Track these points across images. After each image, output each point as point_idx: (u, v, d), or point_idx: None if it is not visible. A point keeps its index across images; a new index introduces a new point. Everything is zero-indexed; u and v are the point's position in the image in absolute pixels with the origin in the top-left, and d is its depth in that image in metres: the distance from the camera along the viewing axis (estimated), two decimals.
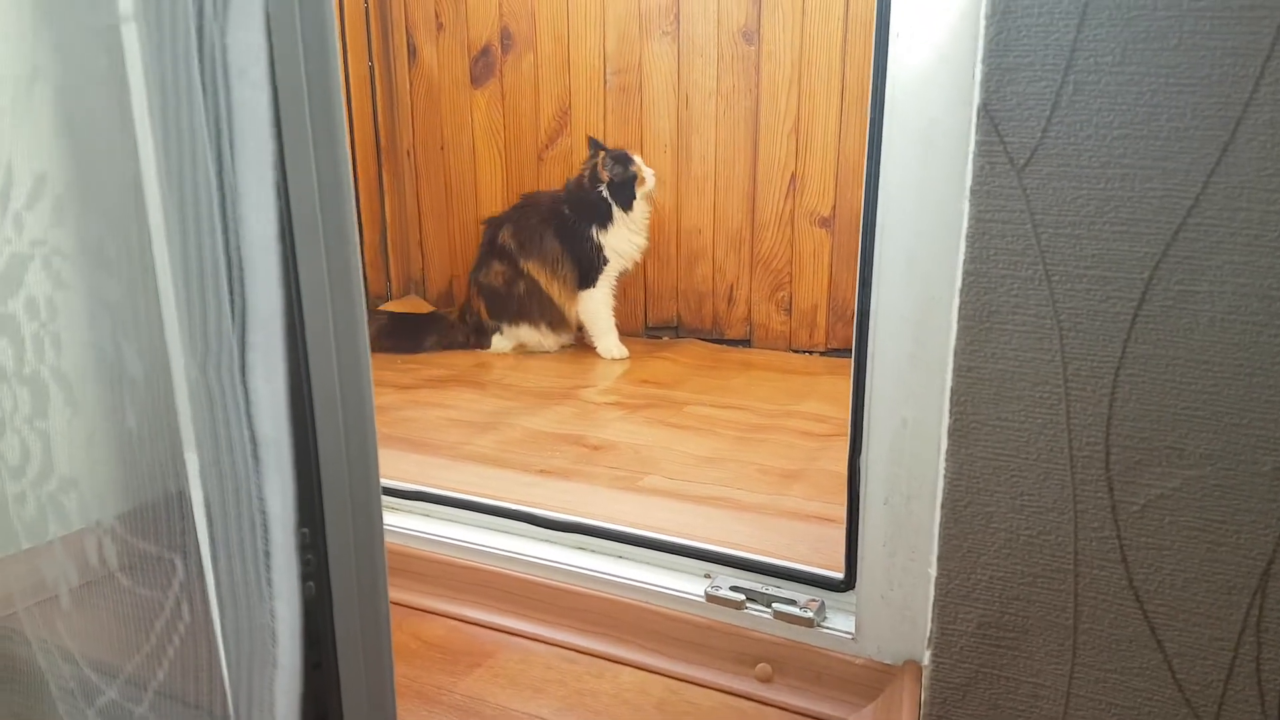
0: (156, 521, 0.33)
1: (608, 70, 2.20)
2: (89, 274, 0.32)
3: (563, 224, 2.10)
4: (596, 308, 2.13)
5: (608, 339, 2.14)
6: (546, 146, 2.29)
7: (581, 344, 2.21)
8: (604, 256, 2.10)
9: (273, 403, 0.30)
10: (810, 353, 2.17)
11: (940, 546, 0.66)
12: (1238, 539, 0.59)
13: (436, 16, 2.35)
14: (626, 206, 2.06)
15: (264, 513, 0.31)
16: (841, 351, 2.14)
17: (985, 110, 0.56)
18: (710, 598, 0.99)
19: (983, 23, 0.55)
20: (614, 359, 2.12)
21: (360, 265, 0.37)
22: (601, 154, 2.07)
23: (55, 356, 0.38)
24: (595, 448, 1.55)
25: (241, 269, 0.29)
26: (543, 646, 1.03)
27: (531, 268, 2.11)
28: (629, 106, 2.20)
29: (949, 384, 0.70)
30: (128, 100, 0.36)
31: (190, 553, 0.33)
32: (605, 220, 2.08)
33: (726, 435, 1.60)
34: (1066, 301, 0.57)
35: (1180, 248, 0.54)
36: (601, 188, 2.06)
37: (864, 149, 2.10)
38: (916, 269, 0.79)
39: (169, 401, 0.31)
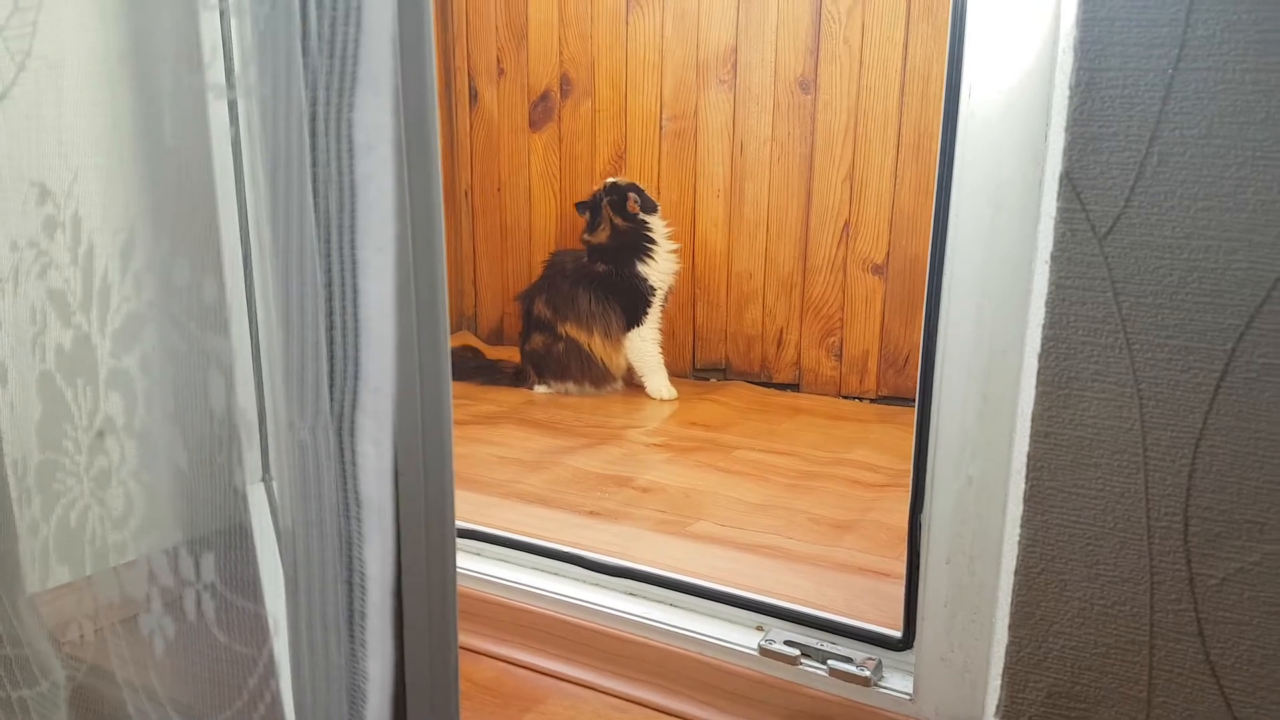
0: (255, 580, 0.34)
1: (664, 116, 2.23)
2: (199, 336, 0.33)
3: (596, 277, 2.13)
4: (645, 347, 2.14)
5: (657, 379, 2.14)
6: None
7: (629, 383, 2.22)
8: (650, 288, 2.12)
9: (379, 465, 0.31)
10: (860, 399, 2.15)
11: (1013, 613, 0.65)
12: None
13: (499, 62, 2.41)
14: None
15: (363, 574, 0.32)
16: (892, 399, 2.12)
17: (1068, 178, 0.56)
18: (764, 651, 0.98)
19: (1067, 93, 0.55)
20: (663, 399, 2.12)
21: (448, 329, 0.38)
22: (629, 196, 2.11)
23: (164, 412, 0.39)
24: (644, 490, 1.55)
25: (356, 335, 0.30)
26: (593, 694, 1.02)
27: (570, 330, 2.14)
28: (683, 152, 2.23)
29: (1025, 448, 0.69)
30: (210, 163, 0.37)
31: (289, 611, 0.34)
32: (648, 251, 2.11)
33: (776, 482, 1.59)
34: (1147, 370, 0.56)
35: (1264, 321, 0.53)
36: (642, 218, 2.10)
37: (919, 198, 2.10)
38: (984, 326, 0.79)
39: (288, 463, 0.32)
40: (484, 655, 1.09)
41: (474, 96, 2.46)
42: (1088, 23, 0.55)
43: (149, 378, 0.40)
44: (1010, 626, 0.65)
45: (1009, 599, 0.73)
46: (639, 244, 2.12)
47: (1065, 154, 0.56)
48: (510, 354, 2.34)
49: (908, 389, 2.11)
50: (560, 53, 2.32)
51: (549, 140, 2.39)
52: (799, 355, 2.20)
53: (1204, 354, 0.55)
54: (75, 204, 0.45)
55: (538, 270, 2.31)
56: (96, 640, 0.49)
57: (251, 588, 0.35)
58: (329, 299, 0.30)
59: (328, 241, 0.30)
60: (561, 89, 2.34)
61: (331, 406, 0.31)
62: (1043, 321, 0.59)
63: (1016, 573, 0.64)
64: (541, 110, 2.38)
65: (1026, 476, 0.62)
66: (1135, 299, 0.56)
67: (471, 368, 2.29)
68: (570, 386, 2.17)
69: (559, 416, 2.00)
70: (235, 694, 0.36)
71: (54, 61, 0.48)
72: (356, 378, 0.30)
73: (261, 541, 0.35)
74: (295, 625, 0.35)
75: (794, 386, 2.22)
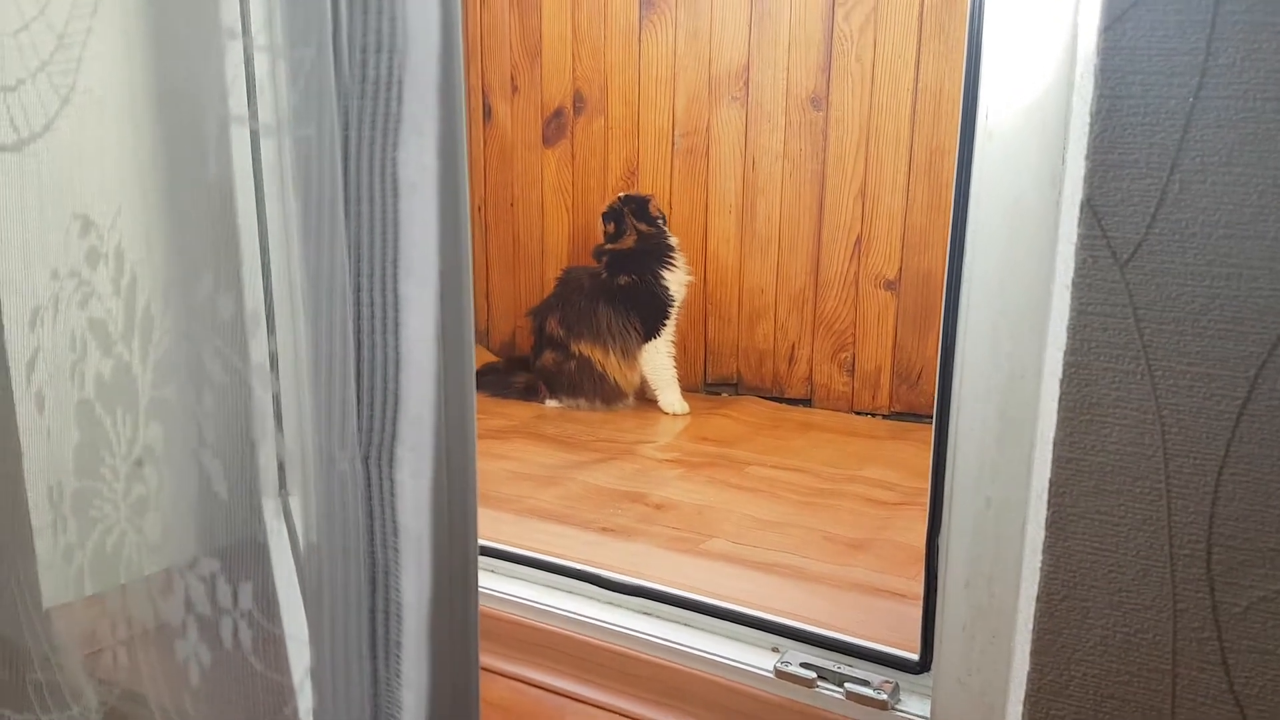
0: (292, 608, 0.34)
1: (676, 133, 2.24)
2: (241, 368, 0.34)
3: (618, 291, 2.14)
4: (660, 359, 2.15)
5: (670, 393, 2.15)
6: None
7: (640, 398, 2.22)
8: (671, 297, 2.14)
9: (416, 496, 0.31)
10: (873, 415, 2.15)
11: (1034, 640, 0.65)
12: None
13: (513, 79, 2.43)
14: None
15: (399, 603, 0.32)
16: (905, 415, 2.12)
17: (1089, 205, 0.56)
18: (780, 674, 0.98)
19: (1087, 120, 0.56)
20: (675, 414, 2.12)
21: (474, 362, 0.38)
22: (650, 201, 2.14)
23: (204, 441, 0.40)
24: (657, 506, 1.55)
25: (398, 368, 0.31)
26: (606, 714, 1.02)
27: (584, 347, 2.14)
28: (695, 167, 2.24)
29: (1044, 471, 0.69)
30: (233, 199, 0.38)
31: (324, 642, 0.34)
32: (670, 258, 2.13)
33: (789, 499, 1.59)
34: (1169, 397, 0.56)
35: None
36: (662, 223, 2.13)
37: (931, 214, 2.10)
38: (1002, 347, 0.79)
39: (325, 493, 0.33)
40: (497, 674, 1.09)
41: (488, 112, 2.48)
42: (1108, 51, 0.55)
43: (189, 408, 0.40)
44: (1032, 653, 0.65)
45: (1028, 623, 0.73)
46: (664, 251, 2.14)
47: (1086, 181, 0.57)
48: (522, 367, 2.34)
49: (921, 405, 2.11)
50: (574, 70, 2.34)
51: (562, 156, 2.40)
52: (811, 370, 2.21)
53: (1226, 381, 0.55)
54: (119, 236, 0.46)
55: (550, 284, 2.31)
56: (130, 665, 0.50)
57: (277, 612, 0.35)
58: (370, 333, 0.31)
59: (370, 277, 0.30)
60: (574, 105, 2.35)
61: (371, 438, 0.31)
62: (1064, 347, 0.59)
63: (1038, 599, 0.64)
64: (555, 126, 2.39)
65: (1048, 502, 0.62)
66: (1157, 325, 0.56)
67: (488, 380, 2.29)
68: (581, 402, 2.18)
69: (571, 431, 2.00)
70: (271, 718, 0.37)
71: (98, 96, 0.49)
72: (396, 409, 0.31)
73: (279, 561, 0.35)
74: (322, 652, 0.36)
75: (806, 402, 2.22)
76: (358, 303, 0.31)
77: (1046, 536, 0.63)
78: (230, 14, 0.32)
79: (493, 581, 1.21)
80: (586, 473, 1.71)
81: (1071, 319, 0.58)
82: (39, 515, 0.53)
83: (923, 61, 1.97)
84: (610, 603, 1.14)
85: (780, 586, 1.21)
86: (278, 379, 0.33)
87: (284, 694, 0.35)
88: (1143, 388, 0.57)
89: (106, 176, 0.49)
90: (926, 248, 2.04)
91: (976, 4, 0.75)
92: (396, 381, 0.31)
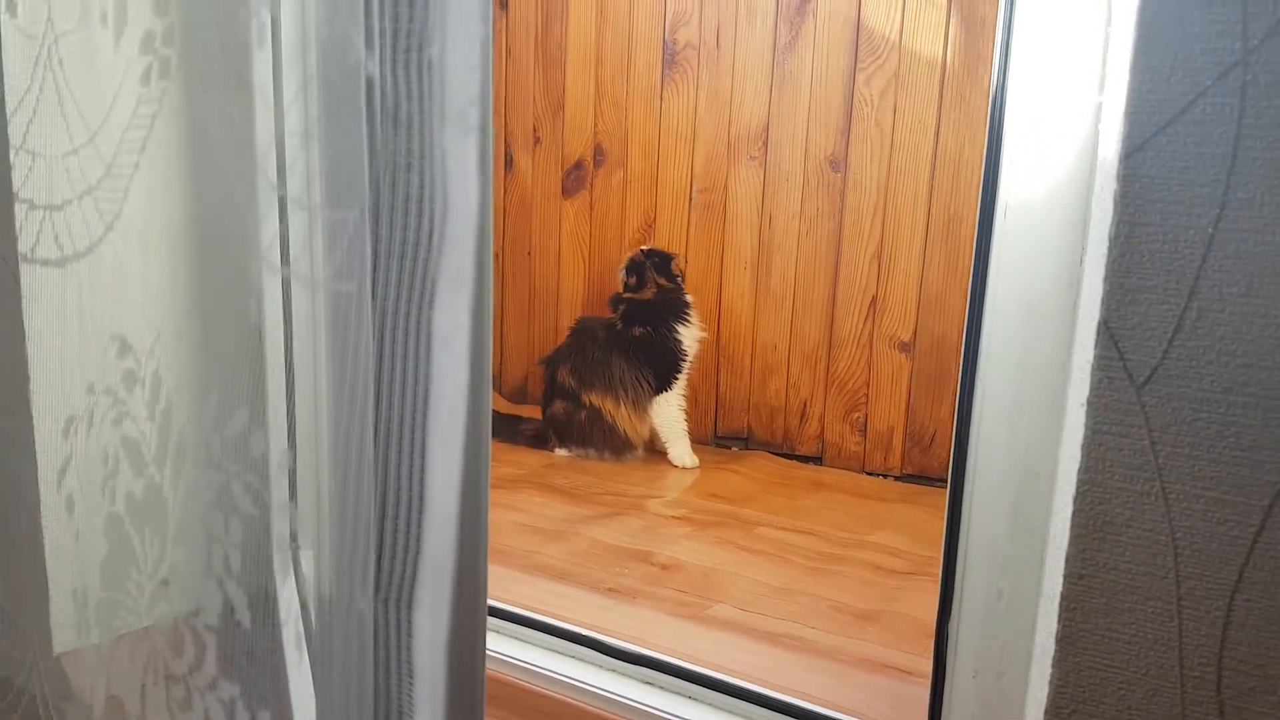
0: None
1: (694, 188, 2.27)
2: (269, 502, 0.35)
3: (631, 342, 2.15)
4: (671, 412, 2.16)
5: (680, 446, 2.15)
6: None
7: (649, 449, 2.22)
8: (684, 351, 2.15)
9: (433, 638, 0.32)
10: (884, 476, 2.14)
11: None
12: None
13: (535, 131, 2.46)
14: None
15: None
16: (917, 478, 2.11)
17: (1105, 327, 0.57)
18: None
19: (1106, 245, 0.56)
20: (685, 467, 2.12)
21: (489, 500, 0.38)
22: (674, 260, 2.16)
23: (229, 570, 0.41)
24: (664, 567, 1.54)
25: (421, 514, 0.32)
26: None
27: (595, 398, 2.15)
28: (712, 223, 2.26)
29: (1056, 569, 0.69)
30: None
31: None
32: (685, 314, 2.15)
33: (797, 563, 1.58)
34: (1183, 520, 0.56)
35: None
36: (680, 280, 2.14)
37: (948, 278, 2.11)
38: (1018, 441, 0.79)
39: (343, 632, 0.33)
40: None
41: (510, 162, 2.51)
42: (1128, 178, 0.56)
43: (217, 536, 0.41)
44: None
45: None
46: (680, 306, 2.15)
47: (1104, 303, 0.57)
48: (533, 412, 2.35)
49: (933, 468, 2.10)
50: (595, 124, 2.37)
51: (580, 207, 2.42)
52: (822, 429, 2.20)
53: (1241, 508, 0.55)
54: (156, 363, 0.47)
55: (563, 333, 2.33)
56: None
57: None
58: (396, 479, 0.31)
59: (401, 424, 0.31)
60: (595, 159, 2.38)
61: (391, 579, 0.32)
62: (1078, 465, 0.60)
63: (1047, 712, 0.63)
64: (574, 178, 2.42)
65: (1059, 617, 0.62)
66: (1172, 449, 0.56)
67: (498, 427, 2.30)
68: (591, 453, 2.18)
69: (579, 482, 2.00)
70: None
71: (141, 227, 0.50)
72: (419, 554, 0.31)
73: (297, 692, 0.35)
74: None
75: (817, 459, 2.22)
76: (386, 449, 0.32)
77: (1057, 651, 0.62)
78: (271, 171, 0.34)
79: (497, 643, 1.20)
80: (594, 528, 1.71)
81: (1086, 437, 0.58)
82: (61, 613, 0.54)
83: (943, 129, 1.99)
84: (614, 670, 1.14)
85: (786, 660, 1.20)
86: (299, 517, 0.34)
87: None
88: (1157, 509, 0.57)
89: (147, 303, 0.50)
90: (942, 311, 2.05)
91: (996, 122, 0.76)
92: (420, 526, 0.32)
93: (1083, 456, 0.59)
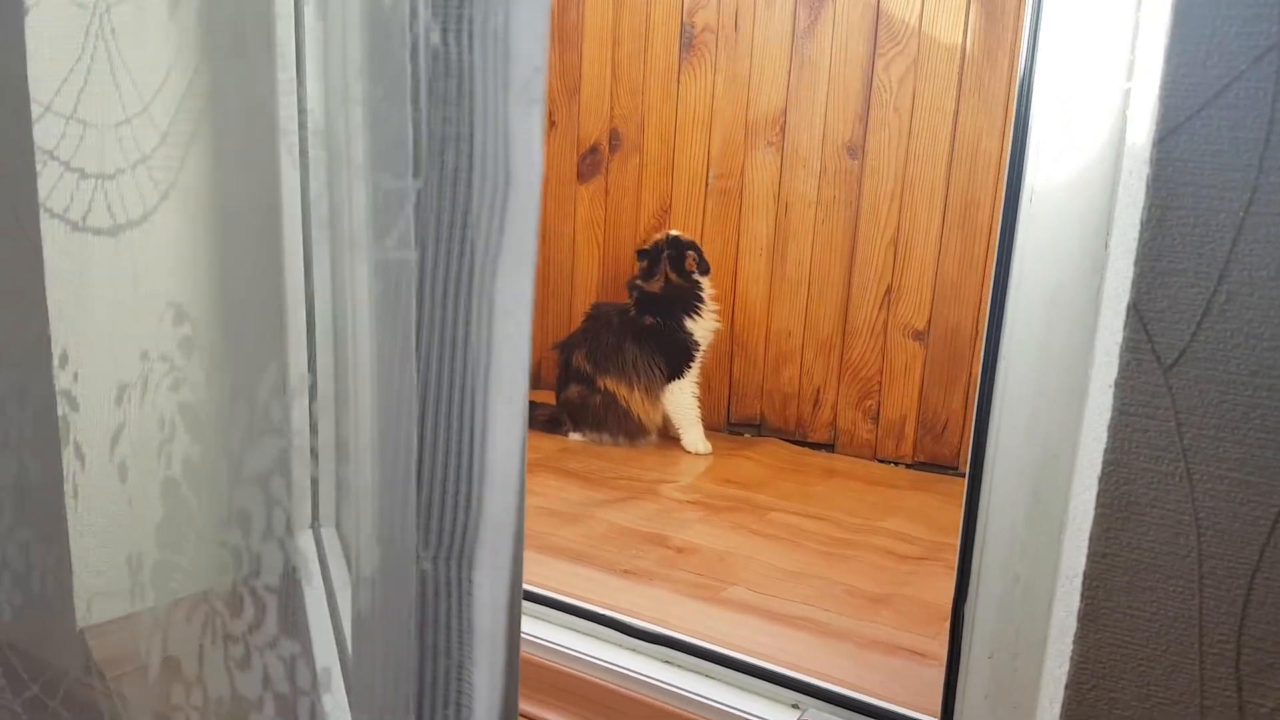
0: (367, 695, 0.36)
1: (710, 174, 2.27)
2: (330, 467, 0.36)
3: (644, 330, 2.16)
4: (684, 399, 2.17)
5: (693, 432, 2.16)
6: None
7: (663, 435, 2.23)
8: (695, 343, 2.15)
9: (494, 597, 0.33)
10: (896, 464, 2.15)
11: None
12: None
13: (550, 115, 2.47)
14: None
15: (470, 696, 0.34)
16: (928, 466, 2.12)
17: (1135, 309, 0.58)
18: None
19: (1136, 229, 0.57)
20: (698, 453, 2.13)
21: (525, 467, 0.39)
22: (689, 254, 2.14)
23: (293, 529, 0.42)
24: (679, 550, 1.56)
25: (483, 476, 0.33)
26: None
27: (609, 383, 2.16)
28: (728, 209, 2.26)
29: (1073, 553, 0.70)
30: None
31: None
32: (696, 309, 2.14)
33: (810, 548, 1.60)
34: (1206, 500, 0.57)
35: None
36: (697, 277, 2.14)
37: (963, 267, 2.11)
38: (1038, 426, 0.80)
39: (407, 590, 0.34)
40: (520, 716, 1.11)
41: None
42: (1161, 162, 0.57)
43: (279, 499, 0.42)
44: None
45: (1052, 703, 0.73)
46: (689, 301, 2.15)
47: (1134, 286, 0.58)
48: (547, 397, 2.36)
49: (944, 456, 2.11)
50: (611, 108, 2.37)
51: (595, 192, 2.43)
52: (835, 416, 2.21)
53: (1264, 489, 0.56)
54: (213, 330, 0.48)
55: (578, 318, 2.34)
56: None
57: (365, 698, 0.37)
58: (458, 442, 0.32)
59: (461, 390, 0.32)
60: (610, 143, 2.39)
61: (452, 539, 0.33)
62: (1104, 444, 0.61)
63: (1068, 687, 0.65)
64: (590, 163, 2.43)
65: (1082, 595, 0.63)
66: (1198, 430, 0.57)
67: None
68: (605, 437, 2.19)
69: (594, 467, 2.02)
70: None
71: (197, 196, 0.51)
72: (480, 514, 0.32)
73: (309, 590, 0.37)
74: None
75: (829, 446, 2.23)
76: (447, 413, 0.33)
77: (1078, 627, 0.63)
78: (334, 142, 0.35)
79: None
80: (609, 511, 1.73)
81: (1113, 418, 0.59)
82: (116, 580, 0.56)
83: (961, 115, 1.99)
84: (633, 649, 1.15)
85: (802, 641, 1.21)
86: (358, 479, 0.35)
87: None
88: (1181, 489, 0.58)
89: (203, 271, 0.51)
90: (957, 300, 2.05)
91: (1023, 108, 0.76)
92: (481, 488, 0.33)
93: (1109, 437, 0.60)
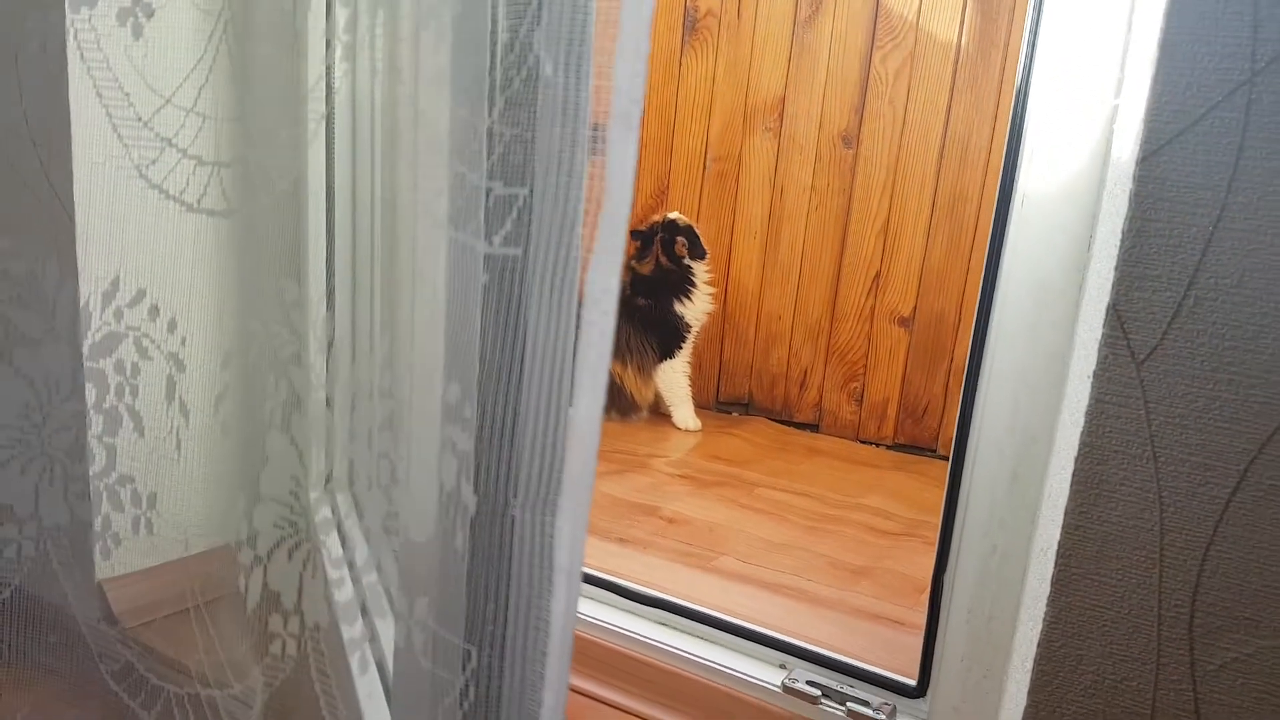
0: (459, 619, 0.42)
1: (708, 156, 2.32)
2: (447, 432, 0.42)
3: (637, 311, 2.21)
4: (676, 378, 2.23)
5: (684, 409, 2.23)
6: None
7: (653, 412, 2.30)
8: (686, 325, 2.21)
9: (572, 539, 0.39)
10: (878, 445, 2.23)
11: (1033, 679, 0.73)
12: None
13: None
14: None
15: (548, 620, 0.40)
16: (909, 447, 2.20)
17: (1114, 309, 0.64)
18: (787, 689, 1.06)
19: (1118, 236, 0.64)
20: (688, 430, 2.20)
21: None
22: (679, 239, 2.19)
23: (394, 484, 0.47)
24: (670, 521, 1.63)
25: (566, 439, 0.39)
26: (623, 716, 1.10)
27: None
28: (725, 192, 2.32)
29: (1048, 528, 0.77)
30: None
31: (483, 646, 0.42)
32: (686, 293, 2.20)
33: (795, 522, 1.67)
34: (1169, 481, 0.64)
35: (1275, 448, 0.62)
36: (687, 262, 2.19)
37: (950, 257, 2.18)
38: (1020, 411, 0.87)
39: (498, 532, 0.40)
40: None
41: None
42: (1143, 179, 0.63)
43: (384, 452, 0.48)
44: (1030, 691, 0.74)
45: (1024, 662, 0.81)
46: (680, 285, 2.20)
47: (1114, 288, 0.65)
48: None
49: (924, 438, 2.19)
50: None
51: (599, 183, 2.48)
52: (820, 397, 2.29)
53: (1220, 471, 0.63)
54: (321, 307, 0.53)
55: None
56: (299, 656, 0.57)
57: (447, 622, 0.43)
58: (548, 407, 0.39)
59: (553, 364, 0.38)
60: None
61: (538, 491, 0.39)
62: (1080, 429, 0.68)
63: (1039, 644, 0.72)
64: (595, 152, 2.47)
65: (1055, 562, 0.70)
66: (1164, 418, 0.64)
67: None
68: None
69: None
70: (432, 712, 0.44)
71: (315, 188, 0.56)
72: (562, 471, 0.39)
73: (452, 578, 0.42)
74: (483, 656, 0.43)
75: (814, 427, 2.30)
76: (540, 383, 0.39)
77: (1051, 591, 0.71)
78: (459, 155, 0.40)
79: None
80: (603, 483, 1.79)
81: (1090, 405, 0.66)
82: (207, 523, 0.61)
83: (953, 110, 2.05)
84: (630, 611, 1.22)
85: (788, 607, 1.29)
86: (460, 437, 0.41)
87: (447, 688, 0.42)
88: (1147, 470, 0.65)
89: (312, 258, 0.56)
90: (943, 289, 2.12)
91: (1018, 117, 0.82)
92: (564, 449, 0.39)
93: (1085, 422, 0.67)
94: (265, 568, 0.57)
